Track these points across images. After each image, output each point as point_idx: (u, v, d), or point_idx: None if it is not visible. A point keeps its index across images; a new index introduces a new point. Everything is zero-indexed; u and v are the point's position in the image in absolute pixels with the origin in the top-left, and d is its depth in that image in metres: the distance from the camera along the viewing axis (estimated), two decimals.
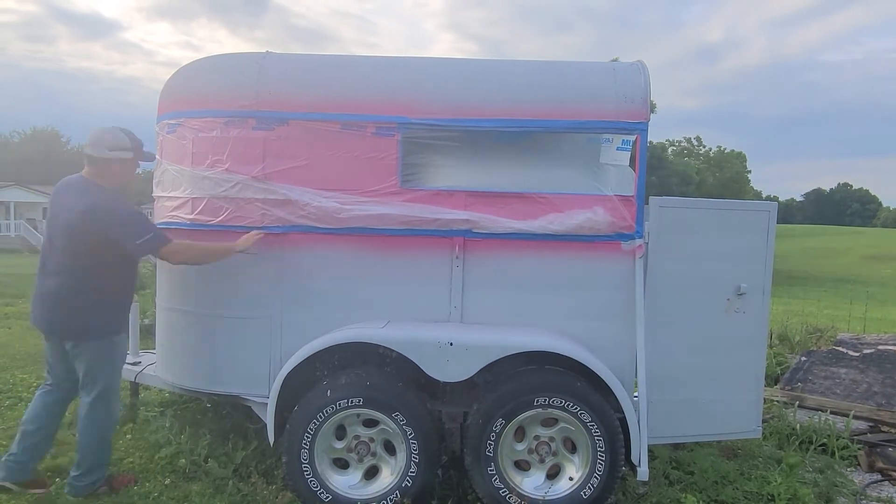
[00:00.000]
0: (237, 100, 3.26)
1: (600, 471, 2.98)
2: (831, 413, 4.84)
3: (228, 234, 3.26)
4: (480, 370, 2.99)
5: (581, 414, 2.97)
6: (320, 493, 3.06)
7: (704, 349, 2.97)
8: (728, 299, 3.26)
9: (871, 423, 4.81)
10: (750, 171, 60.56)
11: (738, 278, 3.25)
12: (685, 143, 59.22)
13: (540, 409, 3.01)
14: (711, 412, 3.27)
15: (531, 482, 3.10)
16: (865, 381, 5.53)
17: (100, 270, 3.03)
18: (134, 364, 4.07)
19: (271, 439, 3.14)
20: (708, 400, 3.23)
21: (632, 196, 3.15)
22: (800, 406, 5.06)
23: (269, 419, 3.11)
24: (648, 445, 3.04)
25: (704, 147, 60.25)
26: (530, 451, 3.11)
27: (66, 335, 3.07)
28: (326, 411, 3.03)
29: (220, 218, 3.26)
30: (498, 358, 2.98)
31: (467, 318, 3.26)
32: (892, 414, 4.88)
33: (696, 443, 3.98)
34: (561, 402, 2.98)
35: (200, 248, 3.21)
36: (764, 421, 4.51)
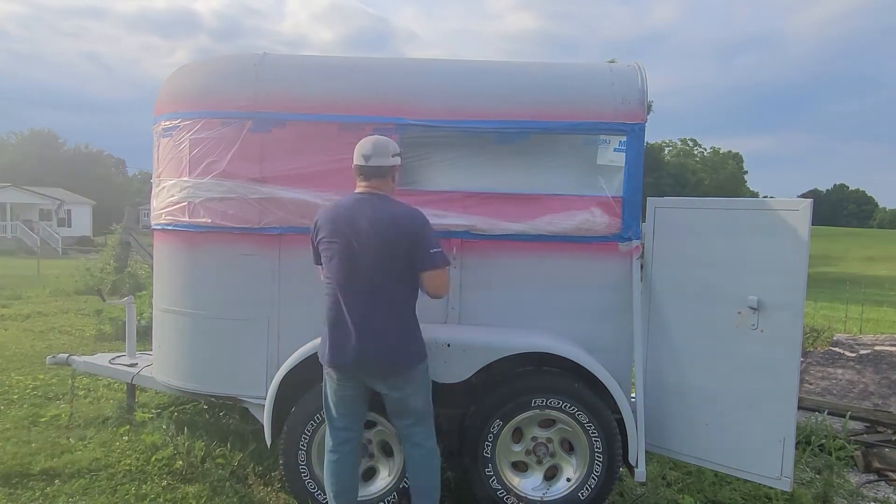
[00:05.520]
0: (235, 101, 3.25)
1: (598, 472, 2.98)
2: (828, 414, 4.85)
3: (226, 235, 3.26)
4: (478, 371, 2.99)
5: (578, 415, 2.97)
6: (318, 495, 3.05)
7: (704, 363, 2.79)
8: (739, 312, 2.96)
9: (867, 424, 4.82)
10: (747, 172, 60.70)
11: (752, 289, 2.90)
12: (681, 145, 59.30)
13: (537, 411, 3.01)
14: (707, 435, 3.05)
15: (529, 483, 3.10)
16: (862, 381, 5.56)
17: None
18: (131, 366, 4.07)
19: (269, 441, 3.13)
20: (701, 421, 3.01)
21: (629, 197, 3.15)
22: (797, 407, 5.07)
23: (267, 421, 3.10)
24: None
25: (700, 148, 60.35)
26: (528, 453, 3.11)
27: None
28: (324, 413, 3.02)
29: (217, 219, 3.26)
30: (496, 359, 2.98)
31: (465, 319, 3.25)
32: (889, 414, 4.90)
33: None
34: (558, 404, 2.98)
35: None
36: None
